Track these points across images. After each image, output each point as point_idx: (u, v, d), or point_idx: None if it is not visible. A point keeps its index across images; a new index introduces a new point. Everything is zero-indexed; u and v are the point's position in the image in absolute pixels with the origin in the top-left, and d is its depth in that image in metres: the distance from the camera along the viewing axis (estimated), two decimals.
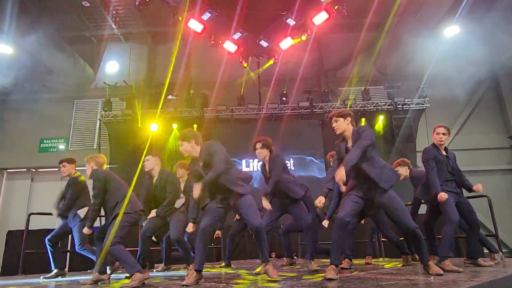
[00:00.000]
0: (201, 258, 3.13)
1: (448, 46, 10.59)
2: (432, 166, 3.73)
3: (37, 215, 6.03)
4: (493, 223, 5.35)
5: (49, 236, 4.59)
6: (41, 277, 4.45)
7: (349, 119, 3.29)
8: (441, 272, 2.92)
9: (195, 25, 8.05)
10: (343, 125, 3.27)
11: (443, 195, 3.55)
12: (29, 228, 5.74)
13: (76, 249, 4.42)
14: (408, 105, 11.33)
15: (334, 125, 3.32)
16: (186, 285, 2.95)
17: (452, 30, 10.28)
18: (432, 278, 2.71)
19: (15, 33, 9.56)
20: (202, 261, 3.14)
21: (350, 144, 3.24)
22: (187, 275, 3.38)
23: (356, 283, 2.63)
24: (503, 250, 8.21)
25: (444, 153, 3.86)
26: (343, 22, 11.80)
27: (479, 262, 3.71)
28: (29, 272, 5.65)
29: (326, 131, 11.51)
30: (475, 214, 3.83)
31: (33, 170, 12.67)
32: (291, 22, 8.23)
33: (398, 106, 11.29)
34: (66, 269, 4.95)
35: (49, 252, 4.59)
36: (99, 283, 3.56)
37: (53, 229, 4.80)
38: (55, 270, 4.52)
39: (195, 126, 11.27)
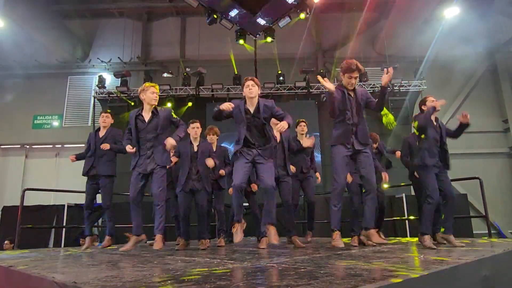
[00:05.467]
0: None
1: (447, 28, 10.47)
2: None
3: (32, 191, 6.03)
4: (484, 204, 5.44)
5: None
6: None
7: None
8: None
9: (191, 1, 7.87)
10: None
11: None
12: (24, 204, 5.74)
13: None
14: (406, 87, 11.28)
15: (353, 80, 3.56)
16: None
17: (452, 12, 10.13)
18: (422, 256, 2.77)
19: (5, 6, 9.30)
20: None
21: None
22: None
23: (347, 259, 2.68)
24: (492, 232, 8.38)
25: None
26: (342, 1, 11.60)
27: (452, 241, 3.61)
28: (25, 247, 5.70)
29: (322, 112, 11.49)
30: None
31: (27, 146, 12.60)
32: None
33: (395, 88, 11.24)
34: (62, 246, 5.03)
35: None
36: None
37: (48, 205, 4.86)
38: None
39: (190, 104, 11.20)
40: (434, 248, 3.21)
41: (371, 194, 3.46)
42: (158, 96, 3.90)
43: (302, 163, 5.09)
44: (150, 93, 3.84)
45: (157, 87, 3.98)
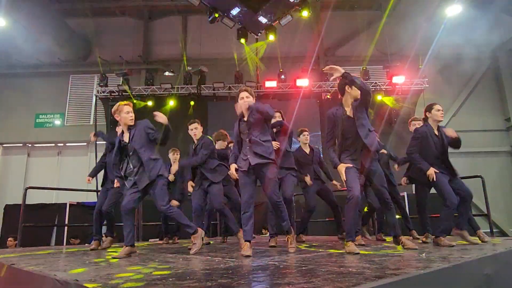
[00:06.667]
0: None
1: (449, 26, 10.42)
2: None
3: (34, 190, 6.04)
4: (485, 203, 5.42)
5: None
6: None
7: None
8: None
9: None
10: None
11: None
12: (26, 202, 5.75)
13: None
14: (408, 85, 11.25)
15: None
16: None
17: (454, 10, 10.09)
18: (423, 254, 2.77)
19: (8, 5, 9.31)
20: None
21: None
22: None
23: (348, 258, 2.68)
24: (494, 230, 8.36)
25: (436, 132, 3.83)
26: None
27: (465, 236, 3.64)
28: (27, 245, 5.71)
29: (324, 110, 11.47)
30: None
31: (29, 145, 12.64)
32: None
33: (397, 86, 11.21)
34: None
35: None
36: None
37: (49, 204, 4.84)
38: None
39: (192, 103, 11.20)
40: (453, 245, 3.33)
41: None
42: (134, 115, 3.58)
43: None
44: (125, 114, 3.56)
45: (131, 104, 3.69)
